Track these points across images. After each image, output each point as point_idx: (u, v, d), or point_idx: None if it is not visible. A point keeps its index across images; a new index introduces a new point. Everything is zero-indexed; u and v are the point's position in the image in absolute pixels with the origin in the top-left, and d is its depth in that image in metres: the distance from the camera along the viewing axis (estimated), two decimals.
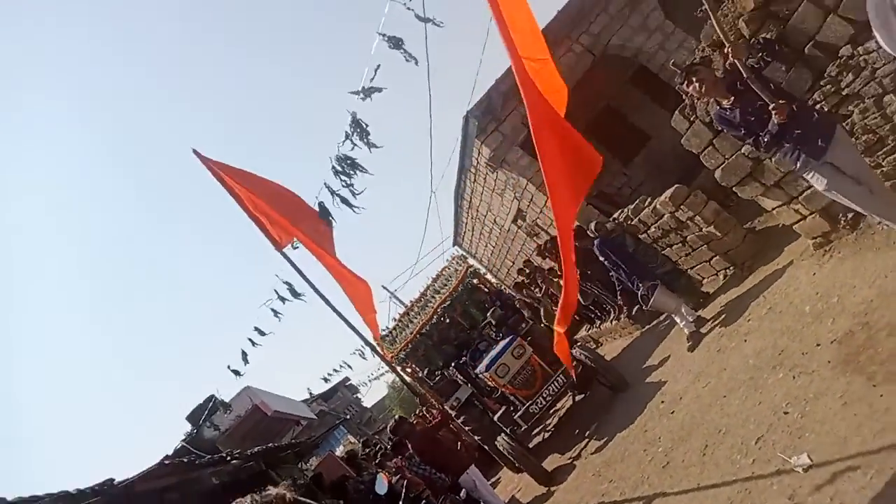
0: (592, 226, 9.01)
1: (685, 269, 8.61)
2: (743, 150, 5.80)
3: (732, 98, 4.46)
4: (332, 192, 6.83)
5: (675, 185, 7.72)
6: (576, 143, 4.38)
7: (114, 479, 4.03)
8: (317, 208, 7.21)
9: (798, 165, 4.36)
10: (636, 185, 13.09)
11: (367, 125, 6.44)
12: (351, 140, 6.54)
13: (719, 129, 4.77)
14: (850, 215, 5.57)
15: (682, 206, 7.56)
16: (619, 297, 10.37)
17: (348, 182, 6.61)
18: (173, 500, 4.77)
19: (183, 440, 8.15)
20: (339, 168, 6.64)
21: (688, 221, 7.73)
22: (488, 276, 13.44)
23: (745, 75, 4.19)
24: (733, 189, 6.28)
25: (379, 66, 6.70)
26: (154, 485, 4.27)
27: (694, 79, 4.60)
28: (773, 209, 6.20)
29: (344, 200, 6.86)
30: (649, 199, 8.37)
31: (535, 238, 13.28)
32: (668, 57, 9.54)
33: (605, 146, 14.08)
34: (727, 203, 7.95)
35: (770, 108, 4.16)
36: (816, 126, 4.27)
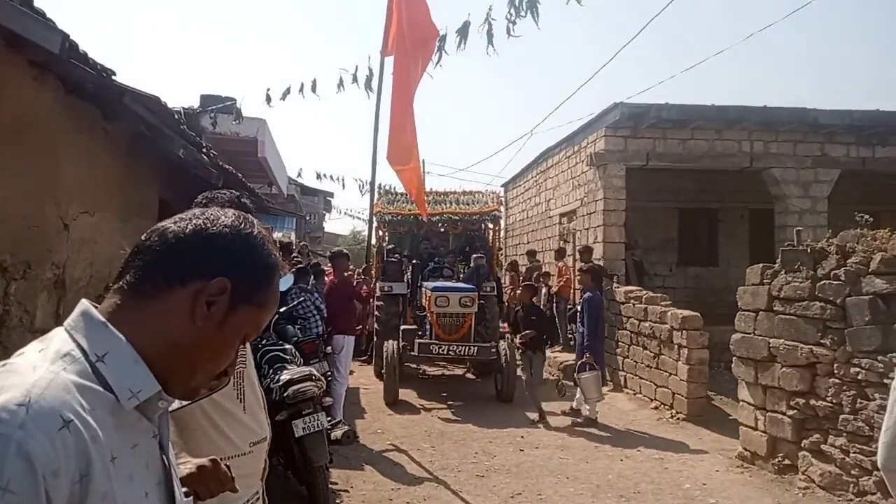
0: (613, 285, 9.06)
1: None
2: (784, 341, 5.69)
3: None
4: (489, 19, 5.94)
5: (695, 313, 7.69)
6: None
7: (115, 74, 4.03)
8: (460, 25, 6.62)
9: None
10: (666, 284, 12.92)
11: None
12: None
13: None
14: (786, 461, 5.59)
15: (685, 330, 7.55)
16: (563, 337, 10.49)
17: (512, 17, 5.67)
18: (145, 138, 4.83)
19: (184, 107, 8.20)
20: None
21: (675, 344, 7.73)
22: (500, 231, 13.30)
23: None
24: (734, 357, 6.24)
25: None
26: (138, 108, 4.30)
27: None
28: (742, 401, 6.20)
29: (489, 33, 6.04)
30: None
31: (562, 242, 13.17)
32: (799, 223, 9.17)
33: (679, 235, 13.82)
34: (718, 361, 7.95)
35: None
36: None
